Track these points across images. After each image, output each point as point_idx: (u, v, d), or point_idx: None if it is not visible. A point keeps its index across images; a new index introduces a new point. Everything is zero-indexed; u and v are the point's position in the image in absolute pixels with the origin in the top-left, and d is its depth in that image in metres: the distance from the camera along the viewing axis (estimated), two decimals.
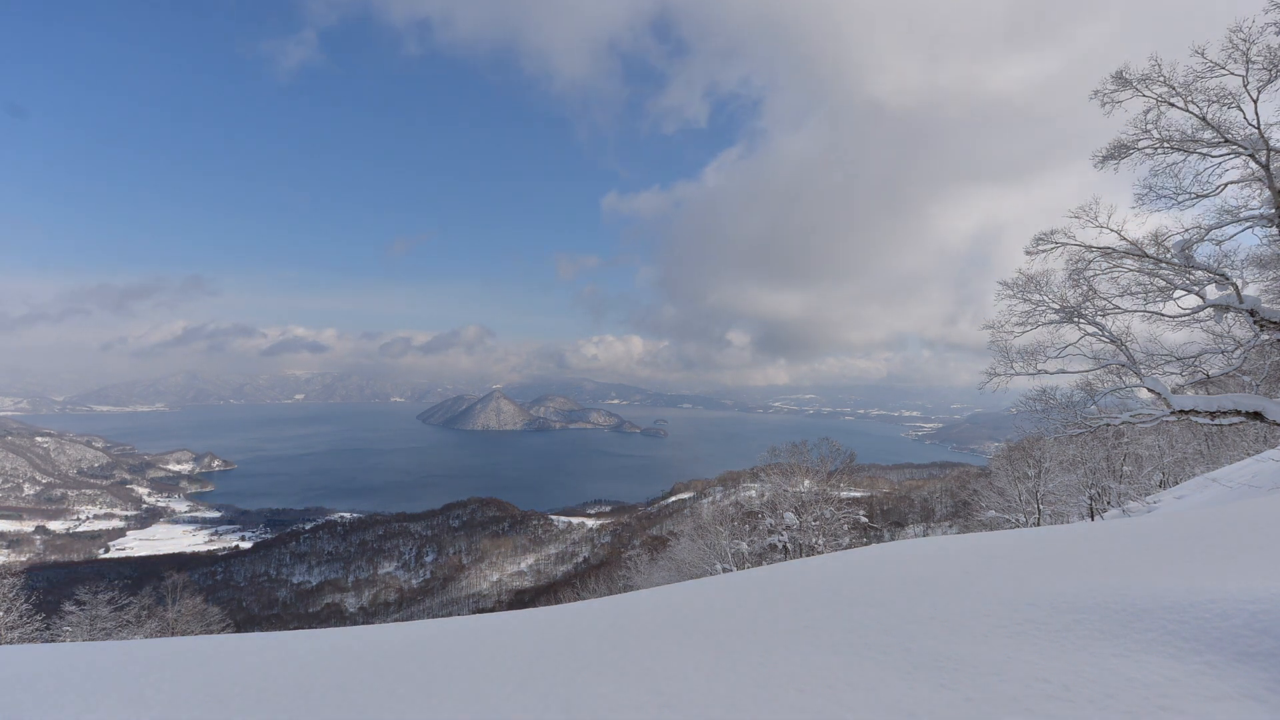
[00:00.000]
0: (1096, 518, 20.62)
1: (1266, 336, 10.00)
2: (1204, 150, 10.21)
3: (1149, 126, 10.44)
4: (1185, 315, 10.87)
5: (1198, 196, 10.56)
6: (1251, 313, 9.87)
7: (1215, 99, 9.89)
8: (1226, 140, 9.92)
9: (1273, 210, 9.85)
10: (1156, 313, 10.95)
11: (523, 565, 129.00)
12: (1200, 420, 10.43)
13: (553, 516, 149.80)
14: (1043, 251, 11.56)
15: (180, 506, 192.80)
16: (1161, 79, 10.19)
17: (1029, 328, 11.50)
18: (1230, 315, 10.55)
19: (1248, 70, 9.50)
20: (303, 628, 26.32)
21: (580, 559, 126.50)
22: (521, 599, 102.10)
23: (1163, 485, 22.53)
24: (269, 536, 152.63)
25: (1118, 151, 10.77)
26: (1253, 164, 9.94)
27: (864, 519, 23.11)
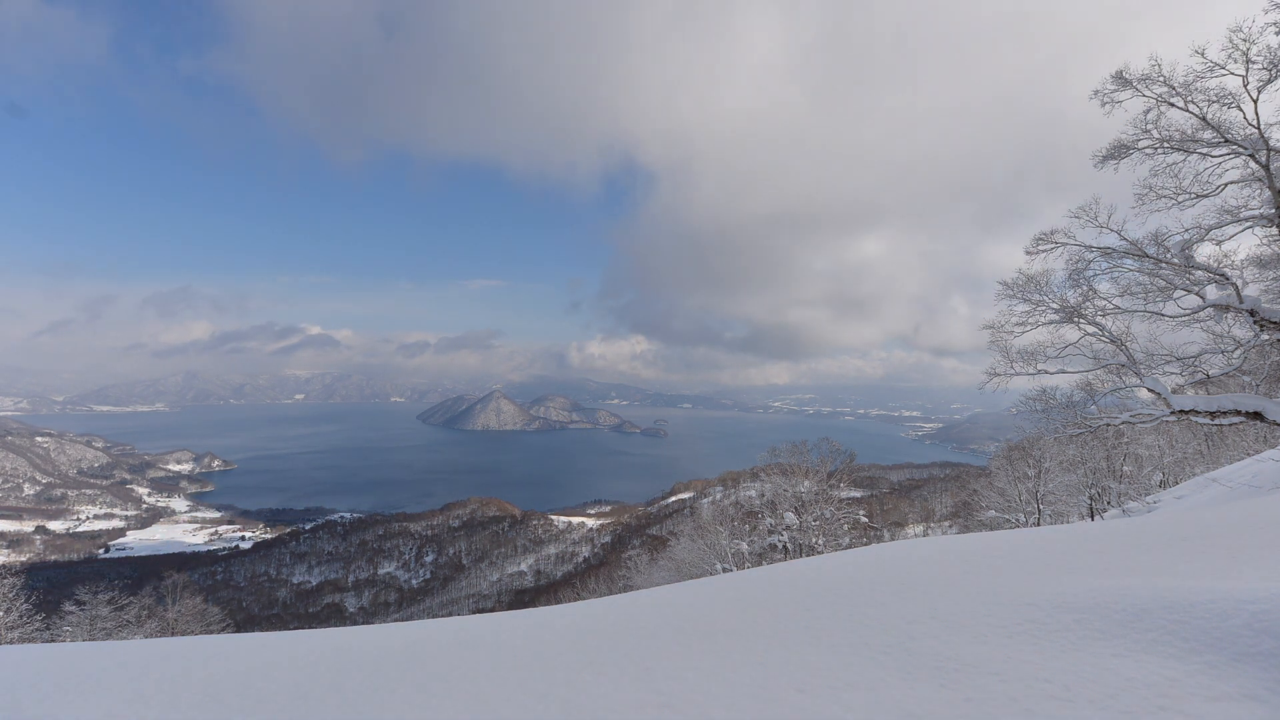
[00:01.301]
0: (1096, 518, 20.61)
1: (1266, 336, 10.00)
2: (1204, 150, 10.21)
3: (1149, 126, 10.44)
4: (1185, 315, 10.87)
5: (1198, 196, 10.55)
6: (1251, 313, 9.87)
7: (1215, 99, 9.89)
8: (1226, 140, 9.91)
9: (1273, 210, 9.85)
10: (1156, 313, 10.94)
11: (523, 565, 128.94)
12: (1200, 420, 10.43)
13: (553, 516, 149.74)
14: (1043, 251, 11.56)
15: (180, 506, 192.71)
16: (1161, 79, 10.19)
17: (1029, 328, 11.50)
18: (1230, 315, 10.55)
19: (1248, 70, 9.50)
20: (303, 628, 26.30)
21: (580, 559, 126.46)
22: (521, 599, 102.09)
23: (1163, 485, 22.50)
24: (269, 536, 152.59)
25: (1118, 151, 10.76)
26: (1253, 164, 9.94)
27: (864, 519, 23.11)
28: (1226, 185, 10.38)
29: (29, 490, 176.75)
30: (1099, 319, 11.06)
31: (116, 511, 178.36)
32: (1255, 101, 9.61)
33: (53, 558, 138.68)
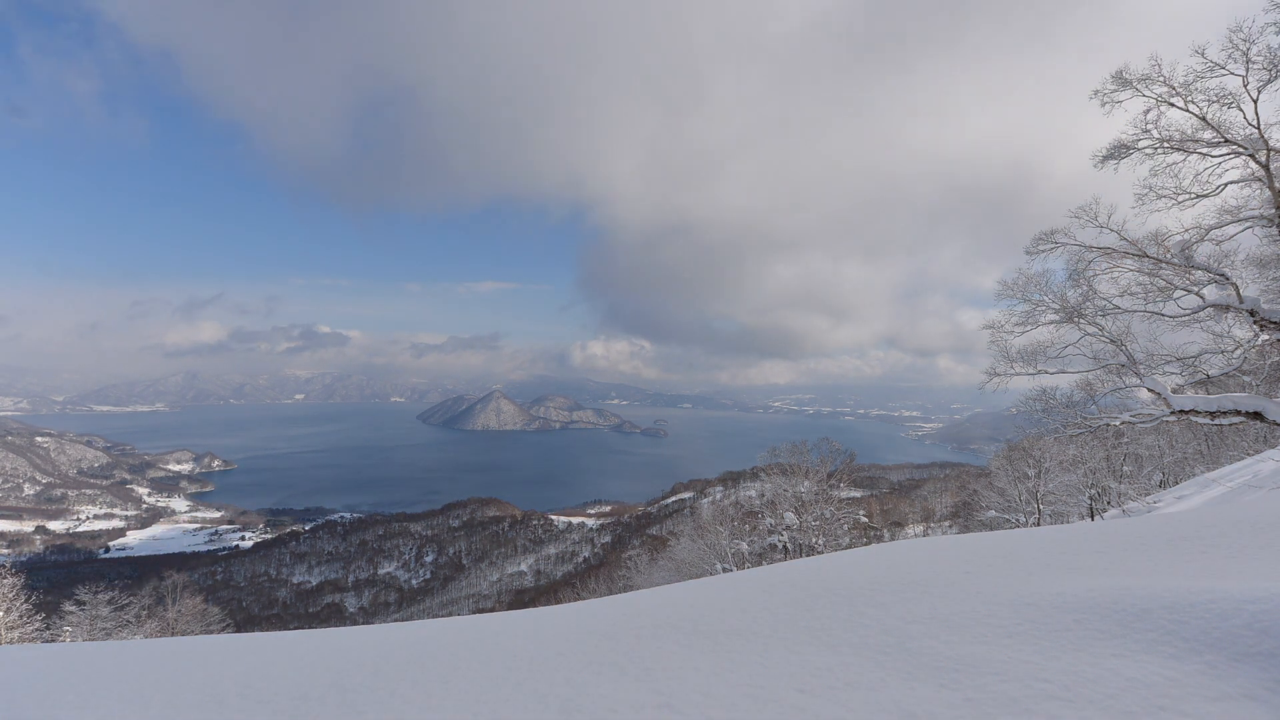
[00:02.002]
0: (1096, 518, 20.61)
1: (1266, 336, 10.00)
2: (1204, 150, 10.21)
3: (1149, 126, 10.45)
4: (1185, 315, 10.87)
5: (1198, 196, 10.55)
6: (1251, 313, 9.87)
7: (1215, 99, 9.89)
8: (1226, 140, 9.91)
9: (1273, 210, 9.85)
10: (1156, 313, 10.94)
11: (523, 565, 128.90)
12: (1200, 420, 10.43)
13: (553, 516, 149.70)
14: (1043, 251, 11.56)
15: (180, 506, 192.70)
16: (1161, 79, 10.19)
17: (1029, 328, 11.51)
18: (1230, 315, 10.55)
19: (1248, 70, 9.50)
20: (303, 628, 26.32)
21: (580, 559, 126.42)
22: (521, 599, 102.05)
23: (1163, 485, 22.51)
24: (269, 536, 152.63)
25: (1118, 151, 10.77)
26: (1253, 164, 9.94)
27: (864, 519, 23.12)
28: (1226, 185, 10.39)
29: (29, 490, 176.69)
30: (1099, 319, 11.05)
31: (116, 511, 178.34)
32: (1255, 101, 9.61)
33: (53, 558, 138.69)
